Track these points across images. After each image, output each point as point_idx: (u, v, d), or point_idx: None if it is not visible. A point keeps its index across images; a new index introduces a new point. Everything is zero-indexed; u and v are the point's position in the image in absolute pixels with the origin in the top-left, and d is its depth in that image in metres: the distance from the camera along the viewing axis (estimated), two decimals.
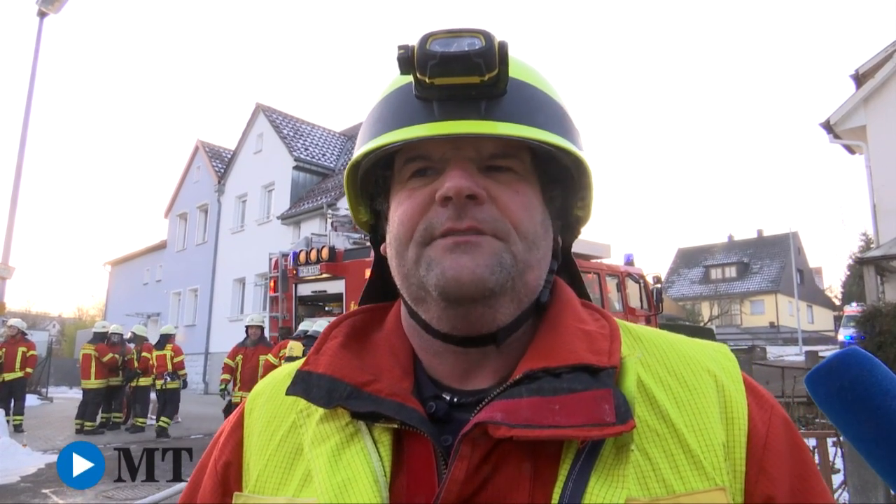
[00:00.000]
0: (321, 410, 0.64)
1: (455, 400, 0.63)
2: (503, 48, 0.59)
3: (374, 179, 0.70)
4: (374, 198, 0.72)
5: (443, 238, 0.61)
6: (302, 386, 0.64)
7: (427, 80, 0.59)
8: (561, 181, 0.68)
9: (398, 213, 0.65)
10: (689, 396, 0.61)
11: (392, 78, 0.68)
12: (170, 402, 11.35)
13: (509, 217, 0.62)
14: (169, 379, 11.35)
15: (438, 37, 0.60)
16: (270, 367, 8.41)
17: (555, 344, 0.62)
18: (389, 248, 0.67)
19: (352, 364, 0.65)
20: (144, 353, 11.74)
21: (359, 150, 0.66)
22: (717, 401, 0.61)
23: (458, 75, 0.59)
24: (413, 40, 0.61)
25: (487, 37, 0.59)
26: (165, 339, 11.71)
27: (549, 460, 0.56)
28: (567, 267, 0.77)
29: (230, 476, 0.68)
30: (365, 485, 0.57)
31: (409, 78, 0.62)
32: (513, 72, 0.62)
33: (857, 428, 0.48)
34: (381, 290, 0.76)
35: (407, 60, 0.60)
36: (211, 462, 0.71)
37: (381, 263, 0.74)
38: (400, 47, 0.61)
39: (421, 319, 0.66)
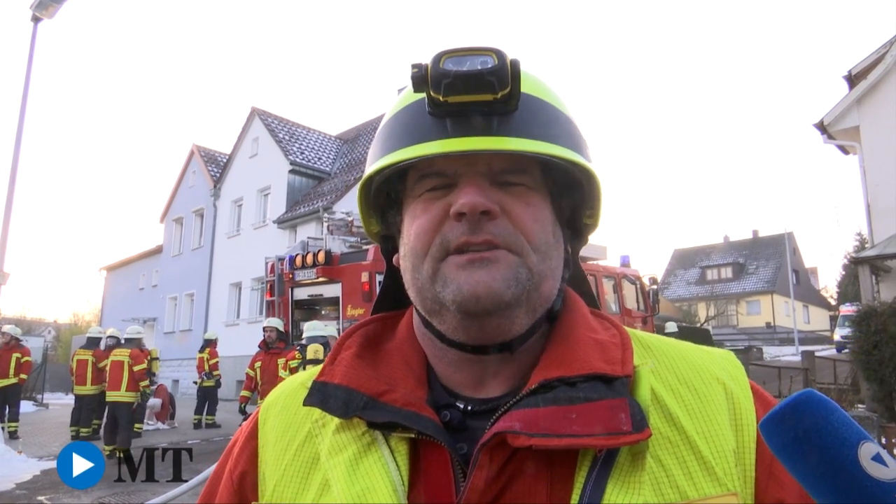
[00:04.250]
0: (337, 420, 0.64)
1: (469, 408, 0.64)
2: (515, 66, 0.60)
3: (386, 192, 0.71)
4: (386, 210, 0.72)
5: (458, 255, 0.62)
6: (319, 397, 0.65)
7: (440, 98, 0.60)
8: (570, 191, 0.69)
9: (413, 226, 0.65)
10: (700, 404, 0.62)
11: (403, 94, 0.69)
12: (209, 400, 13.08)
13: (522, 230, 0.63)
14: (205, 378, 13.11)
15: (451, 55, 0.61)
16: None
17: (568, 353, 0.63)
18: (404, 260, 0.68)
19: (367, 374, 0.66)
20: None
21: (372, 166, 0.67)
22: (727, 408, 0.62)
23: (471, 93, 0.60)
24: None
25: (500, 55, 0.60)
26: (206, 344, 13.49)
27: (565, 468, 0.57)
28: (575, 274, 0.78)
29: (246, 486, 0.69)
30: (384, 493, 0.58)
31: (421, 94, 0.63)
32: (523, 87, 0.63)
33: (819, 482, 0.43)
34: (393, 299, 0.77)
35: (421, 79, 0.61)
36: (226, 472, 0.72)
37: (392, 272, 0.75)
38: (413, 66, 0.61)
39: (435, 329, 0.67)
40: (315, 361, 6.93)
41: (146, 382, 9.70)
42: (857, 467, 0.42)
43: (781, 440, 0.45)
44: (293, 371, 7.79)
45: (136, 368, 9.44)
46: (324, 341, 7.27)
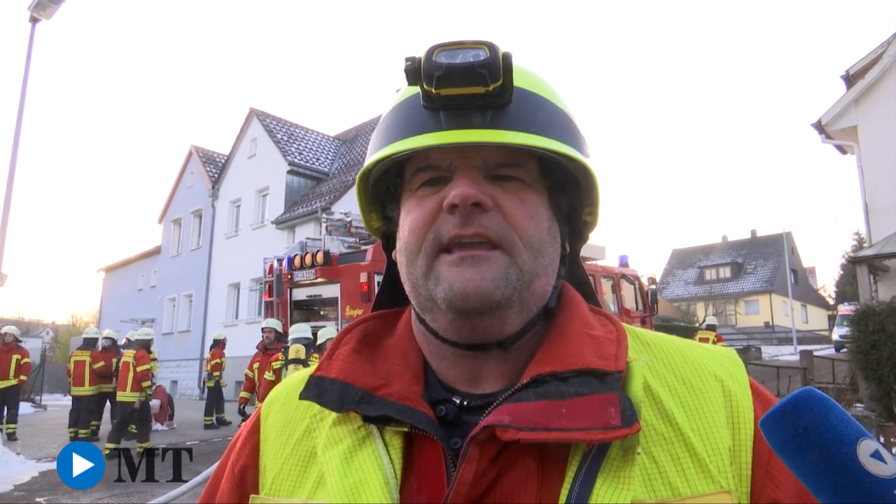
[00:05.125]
0: (334, 414, 0.65)
1: (464, 403, 0.64)
2: (507, 59, 0.60)
3: (385, 187, 0.72)
4: (386, 205, 0.73)
5: (448, 253, 0.62)
6: (315, 391, 0.66)
7: (433, 91, 0.61)
8: (568, 188, 0.69)
9: (408, 221, 0.66)
10: (696, 401, 0.62)
11: (402, 89, 0.70)
12: (208, 400, 13.42)
13: (514, 226, 0.63)
14: (206, 378, 13.61)
15: (444, 48, 0.61)
16: None
17: (562, 349, 0.63)
18: (400, 255, 0.68)
19: (363, 369, 0.66)
20: None
21: (369, 159, 0.67)
22: (724, 405, 0.62)
23: (463, 86, 0.60)
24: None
25: (492, 48, 0.60)
26: (213, 344, 13.65)
27: (556, 462, 0.57)
28: (576, 272, 0.78)
29: (247, 479, 0.70)
30: (376, 486, 0.58)
31: (418, 88, 0.63)
32: (519, 81, 0.63)
33: (818, 479, 0.43)
34: (393, 295, 0.77)
35: (414, 72, 0.61)
36: (229, 466, 0.73)
37: (392, 268, 0.75)
38: (407, 59, 0.62)
39: (429, 326, 0.67)
40: (297, 361, 7.04)
41: (148, 383, 9.85)
42: (855, 464, 0.42)
43: (781, 437, 0.45)
44: (276, 372, 7.87)
45: (138, 369, 9.64)
46: (307, 342, 7.35)
